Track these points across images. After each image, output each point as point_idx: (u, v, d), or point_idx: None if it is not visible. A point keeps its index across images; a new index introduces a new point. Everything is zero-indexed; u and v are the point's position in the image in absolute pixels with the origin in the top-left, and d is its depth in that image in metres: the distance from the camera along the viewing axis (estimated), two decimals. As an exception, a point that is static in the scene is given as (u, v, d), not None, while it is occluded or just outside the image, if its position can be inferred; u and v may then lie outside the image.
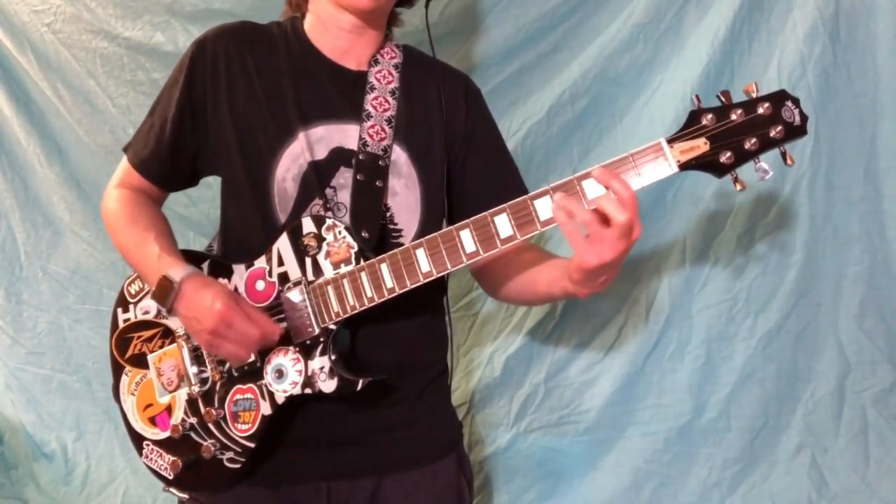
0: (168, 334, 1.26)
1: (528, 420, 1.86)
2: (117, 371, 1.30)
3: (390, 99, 1.26)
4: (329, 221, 1.16)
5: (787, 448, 1.70)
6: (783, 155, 1.03)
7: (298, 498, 1.23)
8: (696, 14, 1.68)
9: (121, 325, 1.30)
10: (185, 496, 1.26)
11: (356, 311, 1.13)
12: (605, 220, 1.00)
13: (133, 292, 1.31)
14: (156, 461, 1.25)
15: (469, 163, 1.31)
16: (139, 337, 1.28)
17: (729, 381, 1.72)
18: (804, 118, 1.01)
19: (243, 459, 1.18)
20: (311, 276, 1.16)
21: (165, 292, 1.13)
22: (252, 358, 1.17)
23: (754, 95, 1.01)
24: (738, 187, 1.03)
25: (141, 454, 1.27)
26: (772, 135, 1.00)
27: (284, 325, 1.16)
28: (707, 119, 1.01)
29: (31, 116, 2.16)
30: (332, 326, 1.15)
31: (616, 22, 1.73)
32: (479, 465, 1.89)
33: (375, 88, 1.26)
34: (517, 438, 1.87)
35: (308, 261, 1.16)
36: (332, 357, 1.14)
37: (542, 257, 1.26)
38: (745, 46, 1.63)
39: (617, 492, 1.80)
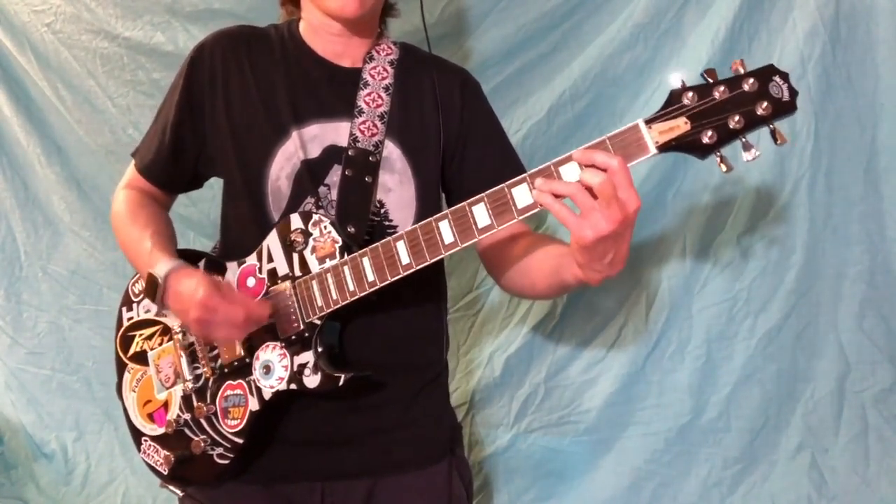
0: (167, 332, 1.27)
1: (528, 420, 1.86)
2: (121, 369, 1.32)
3: (384, 95, 1.26)
4: (315, 217, 1.16)
5: (787, 448, 1.69)
6: (773, 133, 0.95)
7: (293, 497, 1.23)
8: (696, 14, 1.68)
9: (125, 323, 1.32)
10: (180, 492, 1.27)
11: (339, 306, 1.13)
12: (592, 192, 0.94)
13: (136, 291, 1.32)
14: (152, 456, 1.26)
15: (468, 157, 1.30)
16: (141, 335, 1.30)
17: (729, 381, 1.72)
18: (793, 93, 0.94)
19: (232, 455, 1.18)
20: (297, 272, 1.16)
21: (153, 289, 1.14)
22: (243, 354, 1.17)
23: (742, 72, 0.94)
24: (724, 168, 0.96)
25: (139, 450, 1.28)
26: (758, 112, 0.92)
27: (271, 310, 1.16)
28: (688, 98, 0.94)
29: (31, 116, 2.17)
30: (317, 321, 1.14)
31: (616, 22, 1.73)
32: (479, 465, 1.89)
33: (369, 85, 1.26)
34: (517, 438, 1.87)
35: (295, 256, 1.17)
36: (318, 351, 1.14)
37: (548, 243, 1.21)
38: (745, 46, 1.63)
39: (617, 492, 1.80)
